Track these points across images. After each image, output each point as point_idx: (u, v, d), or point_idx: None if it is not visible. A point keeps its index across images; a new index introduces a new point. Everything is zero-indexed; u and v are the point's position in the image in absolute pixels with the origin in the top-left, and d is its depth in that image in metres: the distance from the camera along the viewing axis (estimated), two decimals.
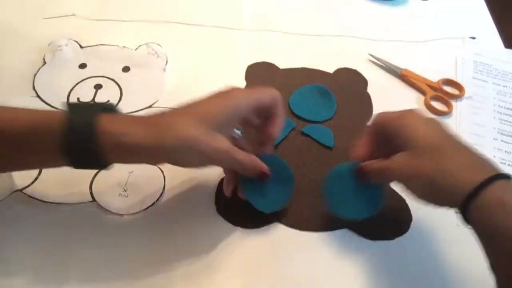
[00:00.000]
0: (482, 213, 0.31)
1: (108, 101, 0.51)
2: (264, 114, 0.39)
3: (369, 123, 0.41)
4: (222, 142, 0.36)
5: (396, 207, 0.45)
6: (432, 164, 0.33)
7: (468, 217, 0.32)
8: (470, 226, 0.33)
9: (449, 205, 0.33)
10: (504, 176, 0.32)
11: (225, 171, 0.42)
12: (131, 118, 0.35)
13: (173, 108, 0.37)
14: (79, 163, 0.35)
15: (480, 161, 0.34)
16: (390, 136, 0.37)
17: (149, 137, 0.33)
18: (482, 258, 0.41)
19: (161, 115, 0.36)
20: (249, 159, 0.39)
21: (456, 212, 0.33)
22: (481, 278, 0.39)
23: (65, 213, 0.42)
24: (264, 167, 0.40)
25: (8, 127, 0.33)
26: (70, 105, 0.34)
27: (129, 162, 0.38)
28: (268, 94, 0.38)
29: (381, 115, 0.40)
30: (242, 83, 0.56)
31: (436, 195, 0.34)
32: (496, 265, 0.31)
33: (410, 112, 0.38)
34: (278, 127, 0.40)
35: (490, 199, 0.30)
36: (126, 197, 0.43)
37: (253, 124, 0.40)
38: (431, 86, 0.58)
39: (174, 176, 0.45)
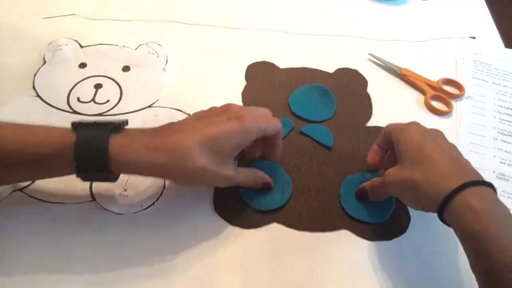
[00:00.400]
0: (454, 217, 0.34)
1: (108, 101, 0.51)
2: (265, 138, 0.41)
3: (380, 133, 0.44)
4: (228, 170, 0.38)
5: (395, 207, 0.45)
6: (419, 174, 0.36)
7: (445, 220, 0.35)
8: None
9: (432, 211, 0.36)
10: (479, 183, 0.34)
11: None
12: (142, 143, 0.35)
13: (184, 121, 0.39)
14: (90, 180, 0.39)
15: (463, 169, 0.36)
16: (394, 146, 0.41)
17: (160, 166, 0.35)
18: None
19: (173, 135, 0.36)
20: (252, 177, 0.42)
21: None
22: None
23: (65, 213, 0.42)
24: (266, 179, 0.43)
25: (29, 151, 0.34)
26: (79, 128, 0.35)
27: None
28: (274, 125, 0.40)
29: (388, 126, 0.43)
30: (242, 83, 0.56)
31: (421, 201, 0.37)
32: (474, 264, 0.34)
33: (411, 125, 0.41)
34: (279, 152, 0.44)
35: (460, 204, 0.33)
36: (126, 196, 0.43)
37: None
38: (431, 85, 0.58)
39: None
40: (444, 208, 0.34)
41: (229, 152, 0.38)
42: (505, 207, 0.34)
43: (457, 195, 0.33)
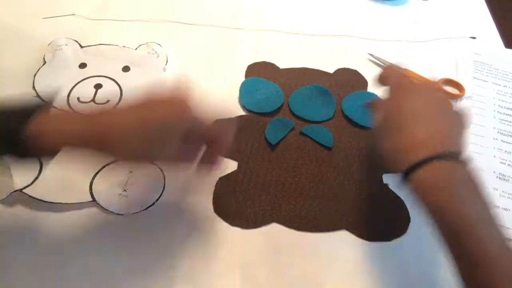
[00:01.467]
0: (416, 189, 0.32)
1: (108, 101, 0.51)
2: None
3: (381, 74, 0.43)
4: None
5: (394, 208, 0.45)
6: (389, 142, 0.35)
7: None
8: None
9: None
10: (447, 157, 0.32)
11: None
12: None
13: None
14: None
15: (436, 138, 0.34)
16: None
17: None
18: None
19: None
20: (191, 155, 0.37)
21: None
22: None
23: (65, 213, 0.42)
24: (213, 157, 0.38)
25: None
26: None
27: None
28: (185, 118, 0.35)
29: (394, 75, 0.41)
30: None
31: (393, 167, 0.35)
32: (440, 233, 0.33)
33: (405, 84, 0.39)
34: (220, 152, 0.37)
35: (423, 176, 0.32)
36: (126, 197, 0.43)
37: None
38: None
39: (174, 176, 0.45)
40: (407, 178, 0.33)
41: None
42: (472, 182, 0.32)
43: (419, 169, 0.32)
